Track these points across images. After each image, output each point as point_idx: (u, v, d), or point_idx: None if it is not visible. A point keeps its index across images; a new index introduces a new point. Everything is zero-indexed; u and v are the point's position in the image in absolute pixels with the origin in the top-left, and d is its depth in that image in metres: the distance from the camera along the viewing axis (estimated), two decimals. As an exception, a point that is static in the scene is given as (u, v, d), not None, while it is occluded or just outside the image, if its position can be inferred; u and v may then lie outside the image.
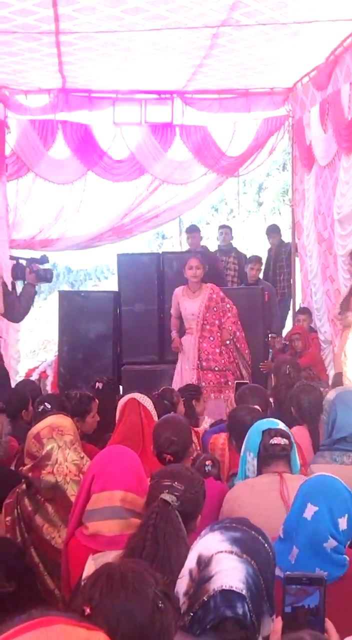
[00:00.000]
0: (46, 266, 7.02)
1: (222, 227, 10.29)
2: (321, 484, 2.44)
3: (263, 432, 3.13)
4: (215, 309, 6.93)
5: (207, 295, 6.91)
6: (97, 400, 4.72)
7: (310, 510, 2.32)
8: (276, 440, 3.08)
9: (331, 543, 2.30)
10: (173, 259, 8.10)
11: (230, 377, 6.84)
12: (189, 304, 6.92)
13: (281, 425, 3.20)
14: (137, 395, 4.21)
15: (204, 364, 6.83)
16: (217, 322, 6.91)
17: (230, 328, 6.87)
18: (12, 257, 7.17)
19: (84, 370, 7.70)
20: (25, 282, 6.74)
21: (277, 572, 2.23)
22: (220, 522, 1.95)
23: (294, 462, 3.17)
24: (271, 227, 10.56)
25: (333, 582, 2.23)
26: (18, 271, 6.79)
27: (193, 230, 9.78)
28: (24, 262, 6.80)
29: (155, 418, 4.03)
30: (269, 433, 3.11)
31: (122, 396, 4.56)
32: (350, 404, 3.80)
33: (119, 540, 2.58)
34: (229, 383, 6.75)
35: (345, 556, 2.35)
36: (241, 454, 3.28)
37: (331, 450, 3.74)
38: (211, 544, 1.83)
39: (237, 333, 6.93)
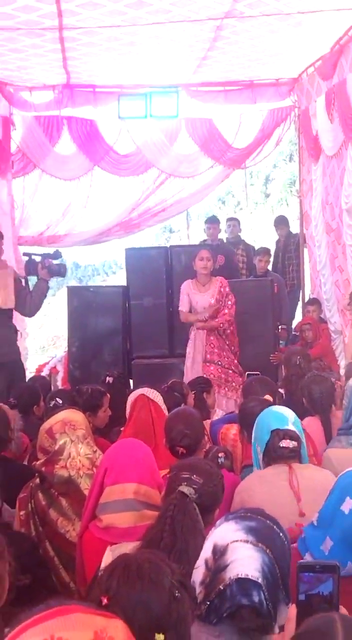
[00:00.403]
0: (59, 261, 7.02)
1: (230, 219, 10.26)
2: None
3: (272, 432, 3.04)
4: (222, 303, 6.87)
5: (217, 289, 6.84)
6: (108, 395, 4.74)
7: (348, 504, 2.30)
8: (285, 443, 3.00)
9: None
10: (181, 252, 8.10)
11: (231, 376, 6.72)
12: (199, 297, 6.84)
13: (290, 421, 3.09)
14: (146, 391, 4.19)
15: (208, 356, 6.77)
16: None
17: (221, 325, 6.78)
18: (25, 254, 7.19)
19: (94, 365, 7.72)
20: (38, 278, 6.77)
21: (308, 557, 2.24)
22: (235, 512, 1.96)
23: (303, 454, 3.14)
24: (278, 218, 10.51)
25: None
26: (31, 267, 6.82)
27: (213, 222, 9.64)
28: (37, 258, 6.81)
29: (166, 413, 4.03)
30: (277, 434, 3.02)
31: (133, 391, 4.56)
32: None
33: (133, 532, 2.60)
34: (230, 382, 6.67)
35: None
36: (252, 442, 3.27)
37: (347, 435, 3.74)
38: (226, 534, 1.84)
39: (228, 331, 6.84)
